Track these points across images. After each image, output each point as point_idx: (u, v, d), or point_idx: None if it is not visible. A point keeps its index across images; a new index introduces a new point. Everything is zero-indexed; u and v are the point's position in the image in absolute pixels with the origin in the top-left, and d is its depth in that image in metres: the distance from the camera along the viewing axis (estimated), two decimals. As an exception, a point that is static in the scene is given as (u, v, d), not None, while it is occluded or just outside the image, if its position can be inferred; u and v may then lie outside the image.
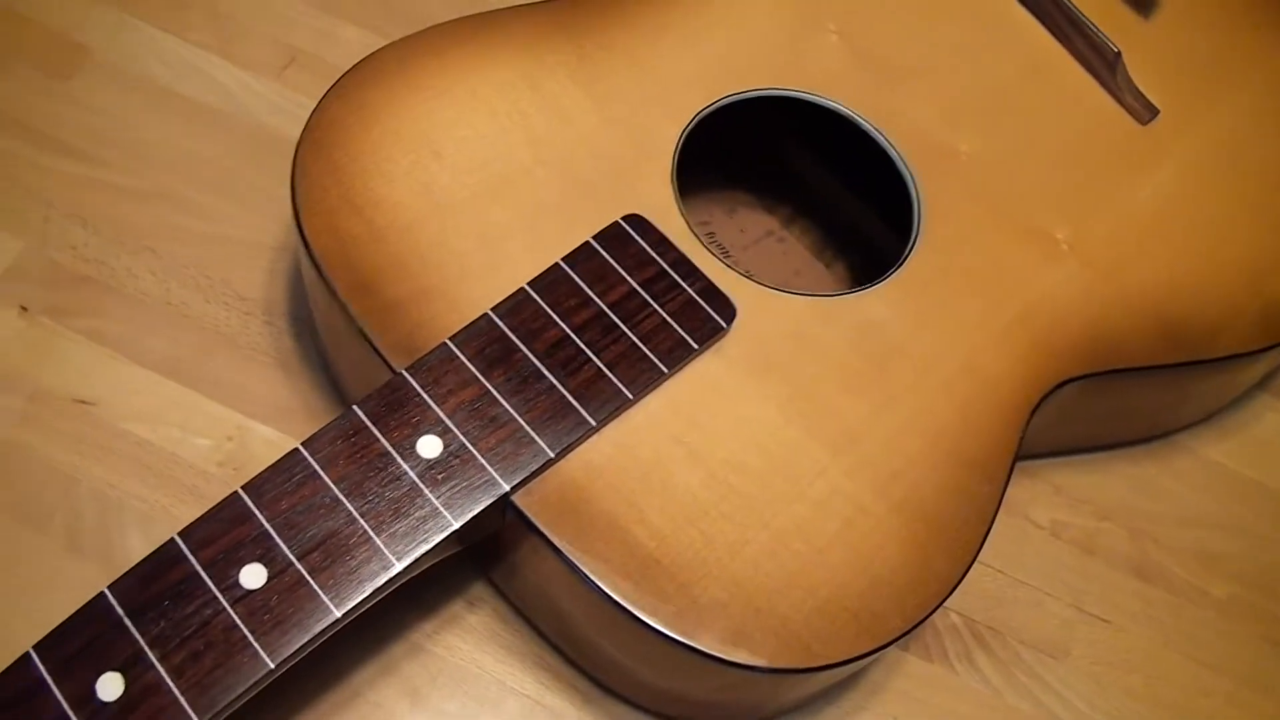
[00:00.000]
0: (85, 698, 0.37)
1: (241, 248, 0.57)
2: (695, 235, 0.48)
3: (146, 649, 0.38)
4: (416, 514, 0.41)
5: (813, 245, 0.61)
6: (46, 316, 0.54)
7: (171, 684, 0.37)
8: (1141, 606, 0.56)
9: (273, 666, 0.38)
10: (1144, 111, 0.57)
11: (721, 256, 0.48)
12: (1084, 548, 0.57)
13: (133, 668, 0.37)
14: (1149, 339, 0.51)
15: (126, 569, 0.48)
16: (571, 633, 0.48)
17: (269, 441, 0.52)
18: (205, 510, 0.40)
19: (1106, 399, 0.54)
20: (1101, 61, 0.57)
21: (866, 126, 0.53)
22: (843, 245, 0.62)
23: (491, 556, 0.48)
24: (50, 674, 0.37)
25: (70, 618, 0.38)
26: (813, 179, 0.63)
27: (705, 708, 0.48)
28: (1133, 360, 0.51)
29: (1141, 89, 0.57)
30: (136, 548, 0.49)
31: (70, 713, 0.36)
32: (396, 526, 0.40)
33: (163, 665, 0.37)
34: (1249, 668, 0.56)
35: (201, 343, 0.54)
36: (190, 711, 0.37)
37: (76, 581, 0.49)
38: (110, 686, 0.37)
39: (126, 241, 0.56)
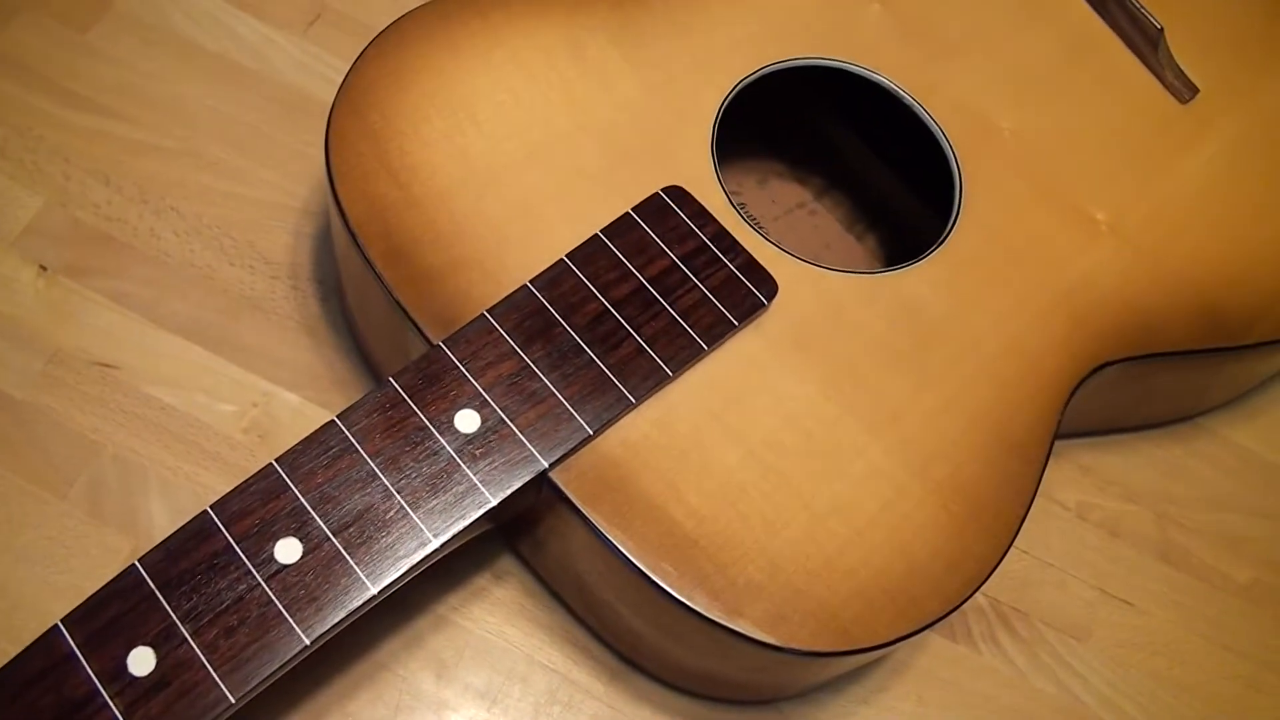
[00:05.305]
0: (116, 672, 0.36)
1: (266, 209, 0.56)
2: (734, 208, 0.47)
3: (179, 624, 0.37)
4: (454, 490, 0.40)
5: (844, 218, 0.61)
6: (66, 276, 0.53)
7: (205, 659, 0.37)
8: (1165, 590, 0.56)
9: (308, 643, 0.37)
10: (1184, 90, 0.56)
11: (755, 229, 0.47)
12: (1109, 530, 0.57)
13: (165, 643, 0.36)
14: (1189, 323, 0.51)
15: (150, 537, 0.47)
16: (601, 610, 0.47)
17: (295, 409, 0.51)
18: (234, 481, 0.39)
19: (1140, 382, 0.53)
20: (1144, 38, 0.56)
21: (908, 100, 0.52)
22: (874, 219, 0.61)
23: (521, 531, 0.48)
24: (80, 648, 0.36)
25: (100, 590, 0.37)
26: (849, 151, 0.62)
27: (733, 686, 0.48)
28: (1172, 344, 0.50)
29: (1183, 67, 0.56)
30: (160, 515, 0.49)
31: (101, 687, 0.36)
32: (433, 503, 0.40)
33: (195, 641, 0.37)
34: (1272, 652, 0.56)
35: (226, 306, 0.53)
36: (224, 688, 0.36)
37: (98, 549, 0.48)
38: (142, 662, 0.36)
39: (149, 200, 0.55)
